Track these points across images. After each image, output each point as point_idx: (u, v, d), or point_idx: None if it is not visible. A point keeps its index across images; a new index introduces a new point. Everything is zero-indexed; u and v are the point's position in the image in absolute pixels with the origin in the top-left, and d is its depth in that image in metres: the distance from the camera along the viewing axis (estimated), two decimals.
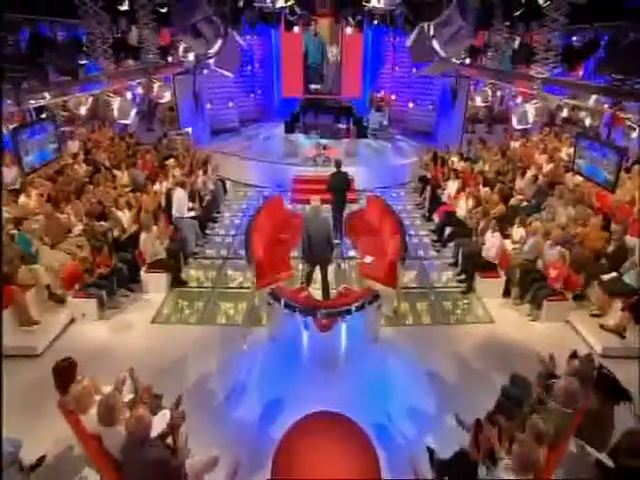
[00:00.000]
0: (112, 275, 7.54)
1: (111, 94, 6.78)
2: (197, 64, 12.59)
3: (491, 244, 8.20)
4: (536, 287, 7.45)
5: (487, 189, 10.15)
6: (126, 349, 6.82)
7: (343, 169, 9.78)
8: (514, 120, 7.02)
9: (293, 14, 10.78)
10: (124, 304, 7.79)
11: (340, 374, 6.32)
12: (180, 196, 9.14)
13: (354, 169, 13.11)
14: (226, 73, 5.43)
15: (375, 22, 11.63)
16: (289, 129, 16.99)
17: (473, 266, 8.25)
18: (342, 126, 16.92)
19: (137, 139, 14.38)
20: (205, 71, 15.96)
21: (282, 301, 6.12)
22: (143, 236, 7.80)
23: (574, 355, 4.72)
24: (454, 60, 11.11)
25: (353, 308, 5.95)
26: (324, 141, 15.17)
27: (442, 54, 4.84)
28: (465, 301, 8.26)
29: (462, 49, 4.97)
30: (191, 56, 10.58)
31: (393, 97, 18.51)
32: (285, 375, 6.26)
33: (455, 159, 12.52)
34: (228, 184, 13.32)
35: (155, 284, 8.05)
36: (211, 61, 4.96)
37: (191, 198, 9.73)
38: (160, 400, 4.87)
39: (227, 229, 11.05)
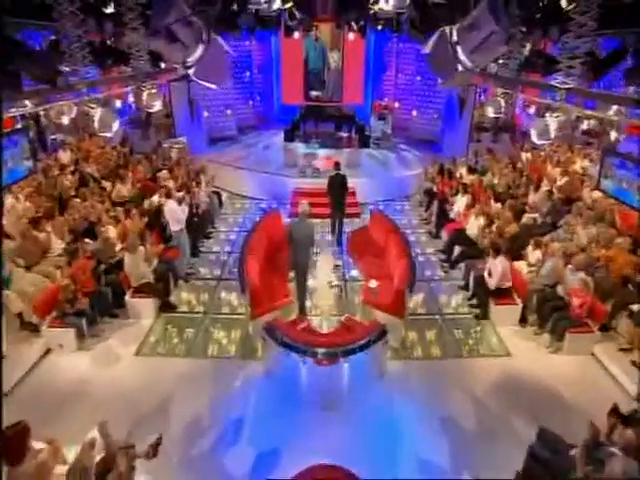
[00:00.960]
0: (94, 301, 6.89)
1: (92, 104, 6.14)
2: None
3: (493, 270, 7.50)
4: (557, 317, 6.80)
5: (498, 205, 9.51)
6: (107, 385, 6.18)
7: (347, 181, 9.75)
8: (533, 134, 6.39)
9: (293, 18, 10.20)
10: (107, 332, 7.13)
11: (342, 418, 5.66)
12: (173, 207, 8.41)
13: (356, 181, 12.51)
14: (210, 85, 4.81)
15: (379, 27, 11.03)
16: (289, 137, 16.35)
17: (486, 291, 7.59)
18: (343, 134, 16.30)
19: (131, 147, 13.78)
20: None
21: (278, 338, 5.47)
22: (128, 258, 7.15)
23: (616, 411, 4.05)
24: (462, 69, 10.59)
25: (357, 348, 5.30)
26: (321, 151, 14.56)
27: (467, 64, 4.15)
28: (477, 328, 7.62)
29: (492, 58, 4.28)
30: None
31: (396, 104, 17.90)
32: (281, 417, 5.61)
33: (463, 171, 11.89)
34: (224, 196, 12.69)
35: (141, 310, 7.41)
36: (191, 71, 4.30)
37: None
38: (134, 450, 4.16)
39: (222, 245, 10.40)
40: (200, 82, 4.71)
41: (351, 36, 14.17)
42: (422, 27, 8.30)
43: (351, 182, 12.32)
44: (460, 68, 4.20)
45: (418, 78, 17.03)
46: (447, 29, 4.13)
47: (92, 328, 6.88)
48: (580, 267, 6.78)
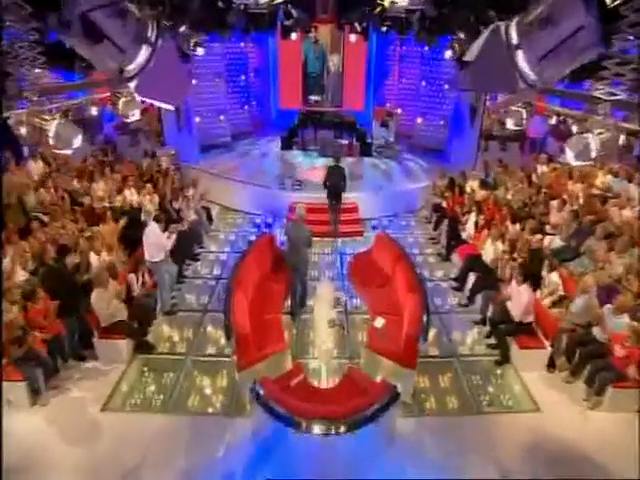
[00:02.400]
0: (55, 345, 5.90)
1: (45, 115, 5.13)
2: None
3: (516, 299, 6.63)
4: (595, 366, 5.84)
5: (517, 227, 8.53)
6: (64, 452, 5.21)
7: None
8: (569, 154, 5.42)
9: (289, 17, 9.26)
10: (69, 381, 6.14)
11: None
12: (155, 231, 7.27)
13: (358, 195, 11.57)
14: (162, 105, 3.83)
15: (384, 29, 10.10)
16: (286, 145, 15.38)
17: (508, 329, 6.63)
18: (344, 142, 15.30)
19: (112, 153, 12.69)
20: (194, 81, 14.57)
21: (266, 405, 4.49)
22: (96, 294, 6.15)
23: None
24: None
25: (363, 419, 4.32)
26: (320, 160, 13.56)
27: (531, 77, 3.01)
28: (498, 372, 6.67)
29: (572, 68, 3.15)
30: None
31: (399, 111, 16.93)
32: None
33: (474, 185, 10.90)
34: (215, 211, 11.71)
35: (112, 353, 6.41)
36: (132, 85, 3.25)
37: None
38: None
39: (211, 267, 9.42)
40: (147, 100, 3.69)
41: (352, 38, 13.17)
42: (435, 28, 7.35)
43: (352, 197, 11.47)
44: (521, 85, 3.04)
45: (423, 83, 16.10)
46: (502, 26, 3.04)
47: (51, 379, 5.89)
48: (624, 310, 5.82)
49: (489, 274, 7.87)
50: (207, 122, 15.68)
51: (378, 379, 5.85)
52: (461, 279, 8.43)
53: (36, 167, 10.17)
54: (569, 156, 5.45)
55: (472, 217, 9.21)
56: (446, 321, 7.81)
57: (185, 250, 8.85)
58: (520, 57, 2.83)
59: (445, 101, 15.65)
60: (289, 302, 7.56)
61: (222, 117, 15.97)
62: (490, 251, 8.18)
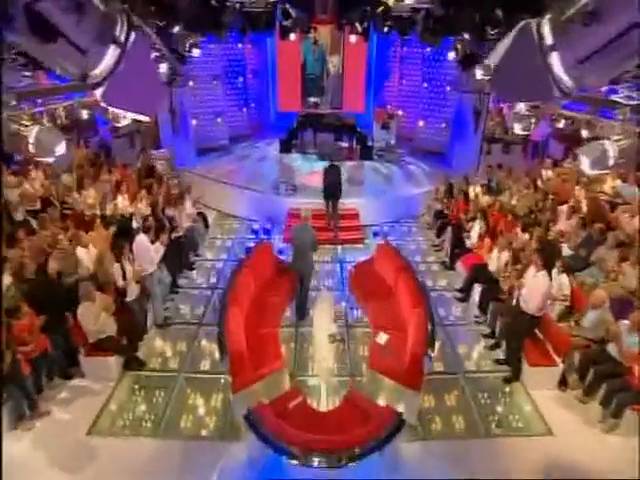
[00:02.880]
0: (42, 362, 5.57)
1: (24, 121, 4.77)
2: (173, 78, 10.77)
3: (534, 288, 6.11)
4: (611, 386, 5.51)
5: (526, 236, 8.20)
6: None
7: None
8: (584, 161, 5.08)
9: (287, 17, 8.92)
10: (55, 400, 5.81)
11: None
12: (143, 245, 6.93)
13: (359, 201, 11.26)
14: (133, 116, 3.48)
15: (385, 29, 9.76)
16: (285, 148, 15.06)
17: (519, 345, 6.30)
18: (344, 145, 14.98)
19: (105, 156, 12.30)
20: (190, 82, 14.25)
21: (262, 434, 4.16)
22: (82, 308, 5.81)
23: None
24: (481, 77, 9.25)
25: (366, 451, 4.00)
26: (320, 164, 13.22)
27: (568, 82, 2.57)
28: (506, 389, 6.35)
29: (617, 73, 2.78)
30: (164, 68, 8.67)
31: (400, 113, 16.61)
32: None
33: (478, 191, 10.57)
34: (212, 216, 11.39)
35: (100, 371, 6.08)
36: (99, 93, 2.83)
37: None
38: None
39: (207, 275, 9.09)
40: (116, 110, 3.31)
41: (353, 39, 12.83)
42: (440, 28, 7.02)
43: (353, 202, 11.15)
44: (557, 93, 2.62)
45: (425, 85, 15.75)
46: (532, 24, 2.64)
47: (35, 399, 5.55)
48: None
49: (496, 285, 7.53)
50: (204, 125, 15.34)
51: (381, 401, 5.54)
52: (466, 290, 8.10)
53: (37, 175, 9.69)
54: (584, 164, 5.12)
55: (477, 225, 8.87)
56: (451, 334, 7.50)
57: (180, 259, 8.52)
58: (555, 60, 2.43)
59: (447, 103, 15.32)
60: (293, 306, 7.57)
61: (220, 120, 15.63)
62: (495, 261, 7.85)
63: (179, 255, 8.41)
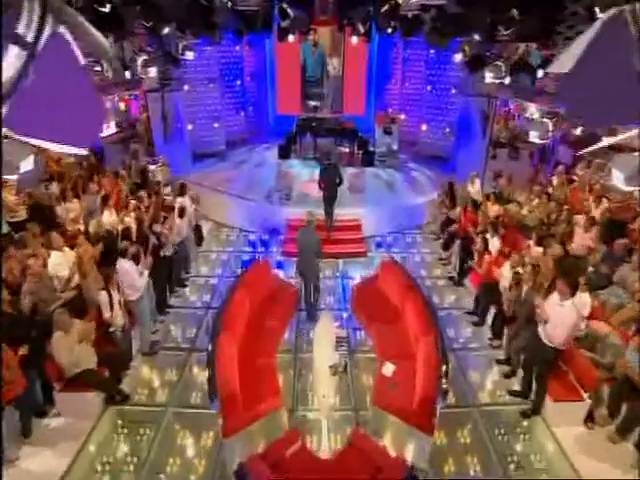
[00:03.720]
0: (19, 401, 4.99)
1: None
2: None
3: (560, 319, 5.41)
4: None
5: (540, 250, 7.63)
6: None
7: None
8: (617, 176, 4.51)
9: (285, 17, 8.37)
10: (27, 442, 5.24)
11: None
12: (123, 270, 6.15)
13: (360, 211, 10.72)
14: (57, 148, 2.79)
15: (389, 30, 9.23)
16: (284, 154, 14.52)
17: (542, 380, 5.73)
18: (344, 150, 14.43)
19: (95, 164, 11.70)
20: (186, 86, 13.72)
21: None
22: (56, 339, 5.23)
23: None
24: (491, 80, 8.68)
25: None
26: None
27: None
28: (525, 424, 5.80)
29: None
30: (153, 72, 8.11)
31: (402, 117, 16.06)
32: None
33: (488, 201, 9.95)
34: (207, 227, 10.85)
35: (79, 408, 5.52)
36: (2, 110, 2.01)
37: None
38: None
39: (200, 293, 8.54)
40: (30, 142, 2.51)
41: (354, 40, 12.27)
42: (449, 28, 6.48)
43: (354, 213, 10.61)
44: None
45: (428, 87, 15.19)
46: (627, 13, 1.94)
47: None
48: None
49: None
50: (201, 130, 14.80)
51: (387, 441, 5.01)
52: (482, 314, 7.48)
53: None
54: (618, 179, 4.56)
55: (495, 241, 8.04)
56: (461, 359, 6.95)
57: (170, 277, 7.96)
58: None
59: (451, 107, 14.76)
60: (302, 304, 7.66)
61: (216, 124, 15.07)
62: (508, 278, 7.26)
63: (169, 274, 7.84)
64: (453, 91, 14.45)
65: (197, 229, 9.78)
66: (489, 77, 7.68)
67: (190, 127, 14.25)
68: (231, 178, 12.68)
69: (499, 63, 8.09)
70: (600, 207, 9.05)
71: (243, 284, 6.55)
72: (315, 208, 10.01)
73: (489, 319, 7.33)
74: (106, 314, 5.66)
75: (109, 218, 7.50)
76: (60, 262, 6.14)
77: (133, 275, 6.04)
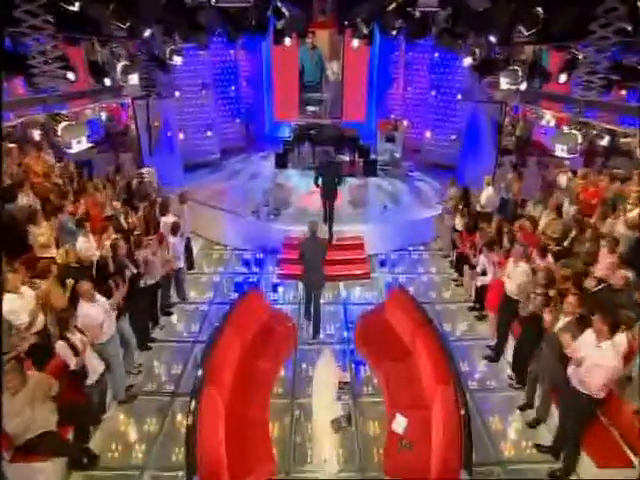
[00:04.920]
0: None
1: None
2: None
3: (598, 362, 4.54)
4: None
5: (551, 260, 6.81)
6: None
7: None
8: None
9: (280, 18, 7.59)
10: None
11: None
12: (83, 312, 5.17)
13: (363, 228, 9.94)
14: None
15: (394, 31, 8.48)
16: (281, 163, 13.74)
17: (575, 438, 4.91)
18: (345, 159, 13.60)
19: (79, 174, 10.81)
20: (177, 93, 12.97)
21: None
22: (7, 401, 4.38)
23: None
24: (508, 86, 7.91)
25: None
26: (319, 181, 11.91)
27: None
28: None
29: None
30: (134, 79, 7.33)
31: (405, 123, 15.30)
32: None
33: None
34: (198, 245, 10.07)
35: (34, 477, 4.68)
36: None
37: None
38: None
39: (187, 323, 7.73)
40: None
41: (355, 43, 11.48)
42: (464, 28, 5.72)
43: (357, 230, 9.83)
44: None
45: (432, 92, 14.42)
46: None
47: None
48: None
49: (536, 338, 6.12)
50: (193, 138, 14.07)
51: None
52: (499, 345, 6.69)
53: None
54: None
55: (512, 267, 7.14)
56: (478, 402, 6.11)
57: (152, 309, 7.17)
58: None
59: (457, 113, 14.00)
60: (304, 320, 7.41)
61: (210, 132, 14.32)
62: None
63: (151, 305, 7.05)
64: (459, 97, 13.67)
65: (186, 249, 8.92)
66: (504, 83, 6.92)
67: (182, 136, 13.49)
68: (224, 190, 11.92)
69: (516, 67, 7.31)
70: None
71: (232, 322, 5.73)
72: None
73: (509, 354, 6.51)
74: (72, 365, 4.84)
75: (84, 244, 6.65)
76: (16, 309, 5.12)
77: (97, 317, 5.16)
